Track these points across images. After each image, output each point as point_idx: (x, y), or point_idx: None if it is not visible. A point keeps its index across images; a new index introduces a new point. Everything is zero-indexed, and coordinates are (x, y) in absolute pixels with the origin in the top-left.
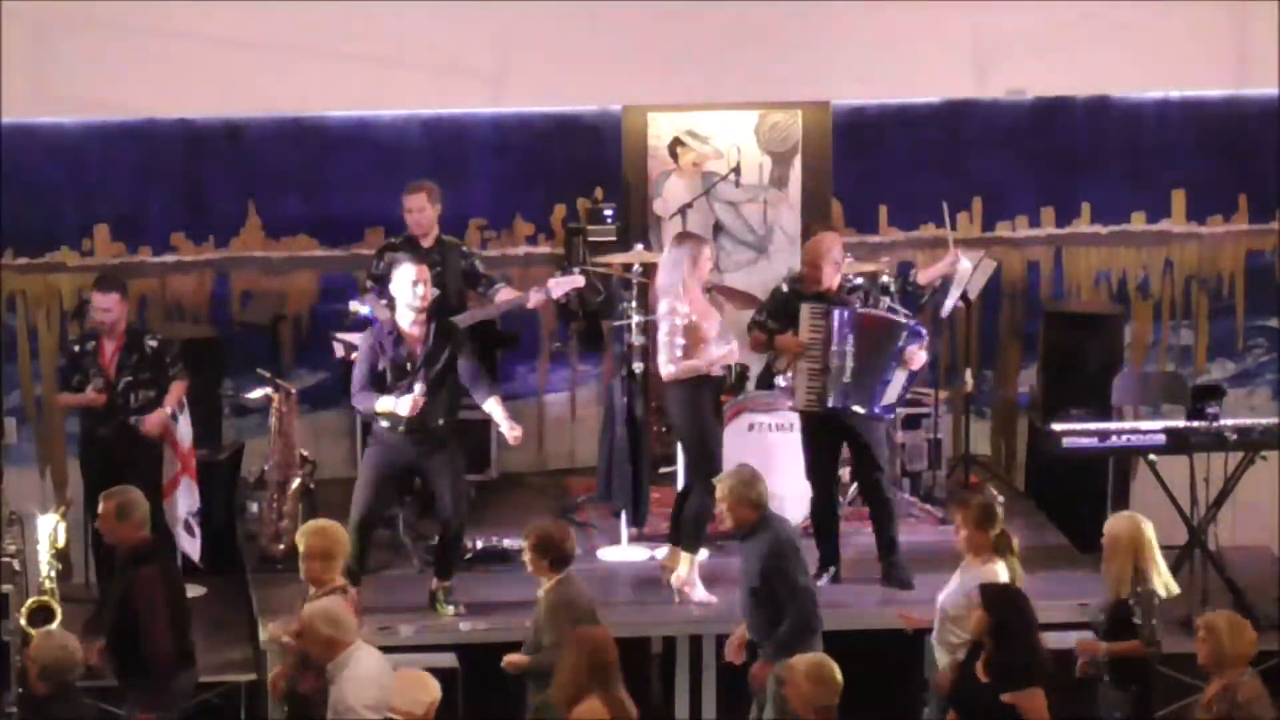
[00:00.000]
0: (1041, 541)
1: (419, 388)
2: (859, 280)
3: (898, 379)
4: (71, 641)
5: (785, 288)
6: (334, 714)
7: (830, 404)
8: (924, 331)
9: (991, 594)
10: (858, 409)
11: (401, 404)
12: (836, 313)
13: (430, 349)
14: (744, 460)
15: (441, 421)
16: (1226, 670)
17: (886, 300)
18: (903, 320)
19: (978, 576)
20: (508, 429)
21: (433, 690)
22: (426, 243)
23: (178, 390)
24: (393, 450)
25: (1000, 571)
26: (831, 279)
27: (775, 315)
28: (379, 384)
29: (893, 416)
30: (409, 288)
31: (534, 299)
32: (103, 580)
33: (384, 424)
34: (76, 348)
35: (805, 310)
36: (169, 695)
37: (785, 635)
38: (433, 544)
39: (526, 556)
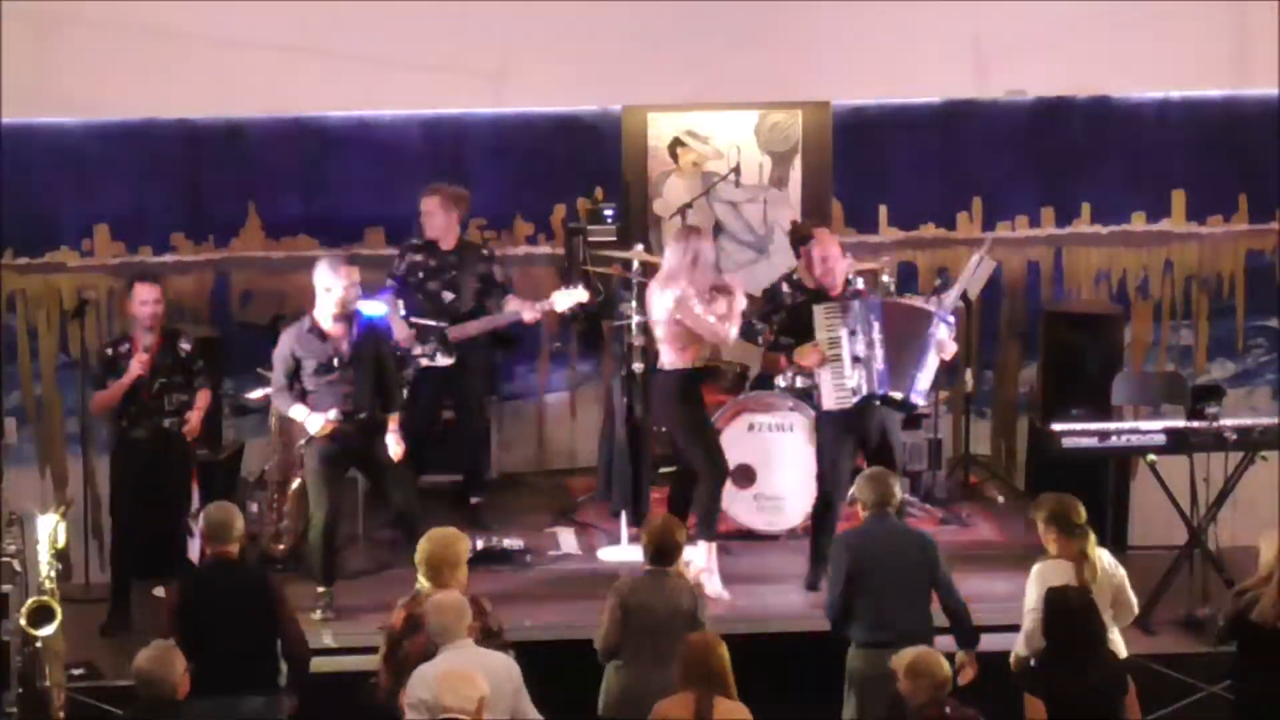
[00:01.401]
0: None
1: (333, 413)
2: (860, 282)
3: (930, 366)
4: (175, 655)
5: (786, 291)
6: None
7: (867, 392)
8: (951, 320)
9: (1050, 596)
10: (896, 395)
11: (312, 421)
12: (857, 303)
13: (354, 344)
14: (744, 461)
15: (368, 414)
16: None
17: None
18: (931, 308)
19: (1036, 571)
20: (393, 444)
21: (481, 686)
22: (446, 245)
23: (204, 398)
24: (329, 448)
25: (1056, 570)
26: (839, 278)
27: (788, 330)
28: (298, 380)
29: (925, 404)
30: (341, 287)
31: (529, 315)
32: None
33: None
34: (110, 350)
35: (820, 311)
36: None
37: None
38: None
39: None
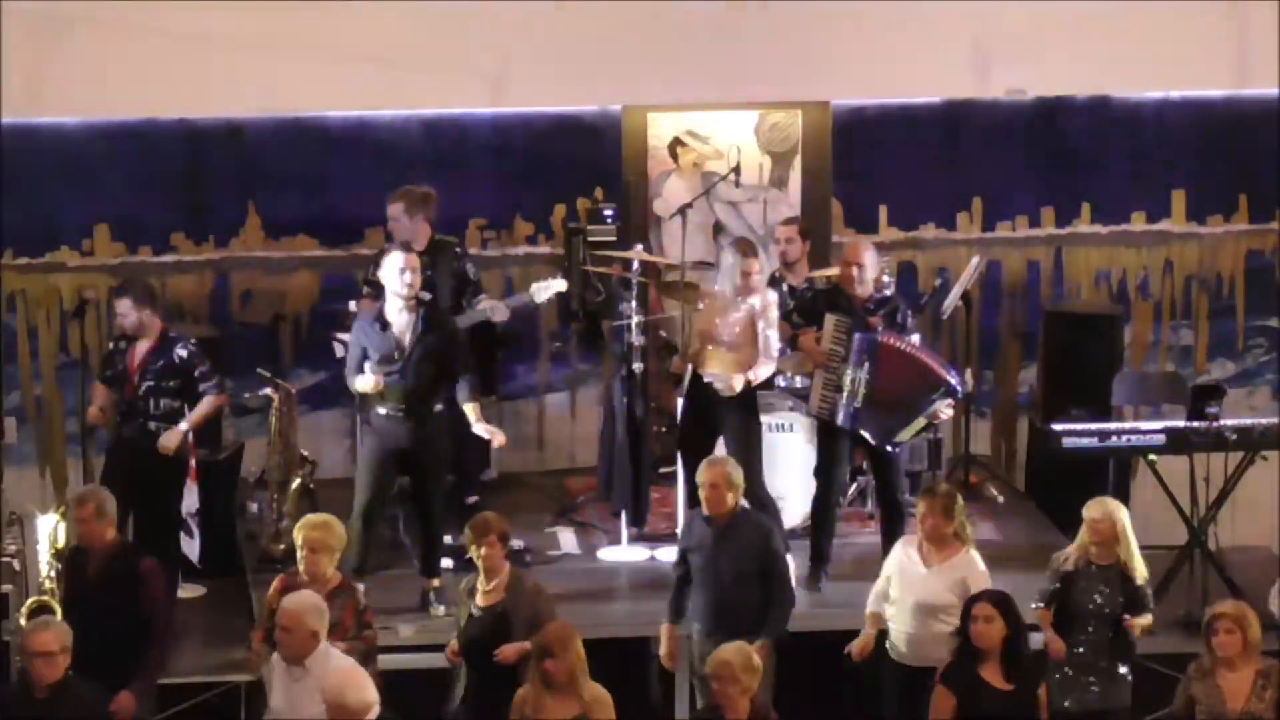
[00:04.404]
0: (1041, 541)
1: (368, 366)
2: (889, 293)
3: (914, 427)
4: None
5: (810, 288)
6: (328, 699)
7: (839, 422)
8: (960, 390)
9: (1002, 601)
10: (867, 436)
11: (362, 381)
12: (858, 336)
13: (417, 337)
14: None
15: (439, 408)
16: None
17: (912, 322)
18: (944, 374)
19: (960, 567)
20: (483, 431)
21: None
22: (418, 247)
23: (205, 406)
24: (385, 435)
25: (977, 560)
26: (866, 286)
27: (801, 312)
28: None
29: (897, 452)
30: (396, 276)
31: (499, 315)
32: None
33: (379, 410)
34: (112, 345)
35: (830, 322)
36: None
37: (781, 617)
38: None
39: (490, 551)
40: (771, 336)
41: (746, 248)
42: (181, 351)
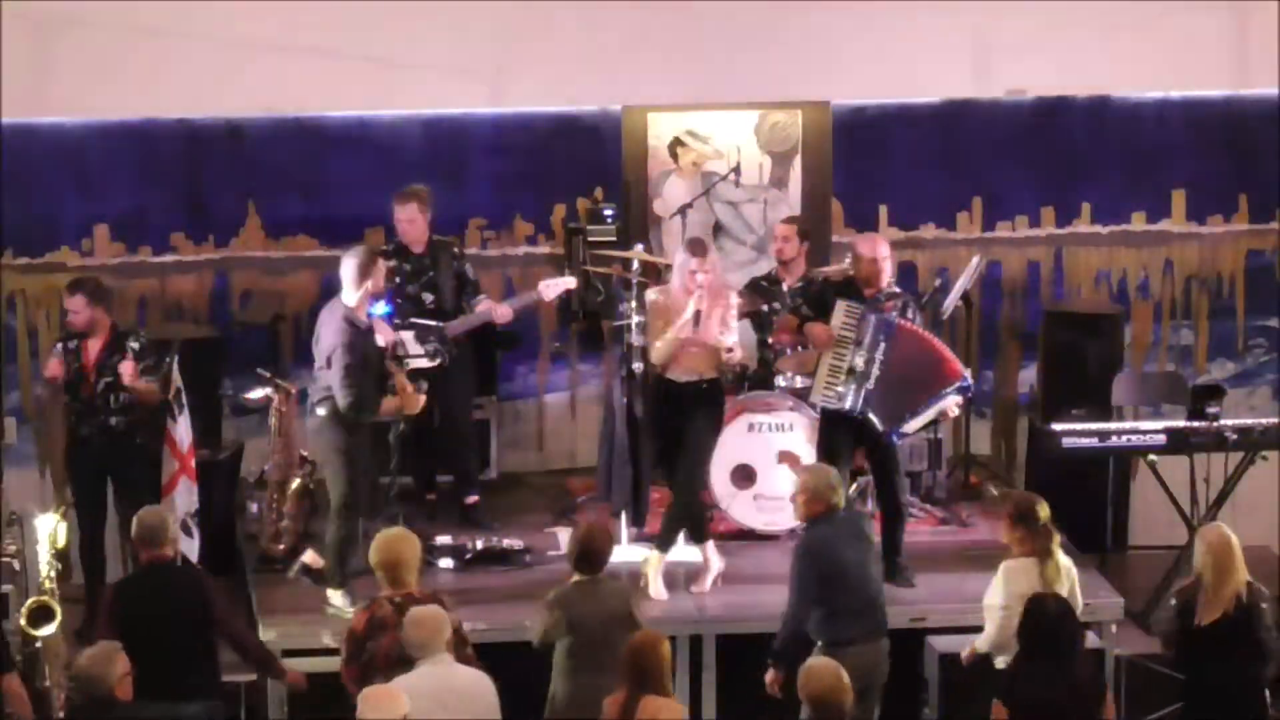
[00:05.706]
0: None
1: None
2: (897, 289)
3: (925, 417)
4: (116, 657)
5: (814, 283)
6: None
7: (848, 406)
8: (972, 385)
9: (1032, 601)
10: (875, 421)
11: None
12: (874, 316)
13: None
14: (744, 461)
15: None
16: None
17: (919, 320)
18: (960, 367)
19: (1005, 570)
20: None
21: (403, 703)
22: (418, 249)
23: (146, 389)
24: (345, 429)
25: (1023, 569)
26: (883, 279)
27: (810, 303)
28: None
29: (901, 442)
30: (353, 295)
31: (500, 316)
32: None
33: (319, 411)
34: (60, 346)
35: (841, 306)
36: None
37: (776, 642)
38: (432, 544)
39: None
40: (732, 325)
41: (695, 246)
42: (134, 344)
